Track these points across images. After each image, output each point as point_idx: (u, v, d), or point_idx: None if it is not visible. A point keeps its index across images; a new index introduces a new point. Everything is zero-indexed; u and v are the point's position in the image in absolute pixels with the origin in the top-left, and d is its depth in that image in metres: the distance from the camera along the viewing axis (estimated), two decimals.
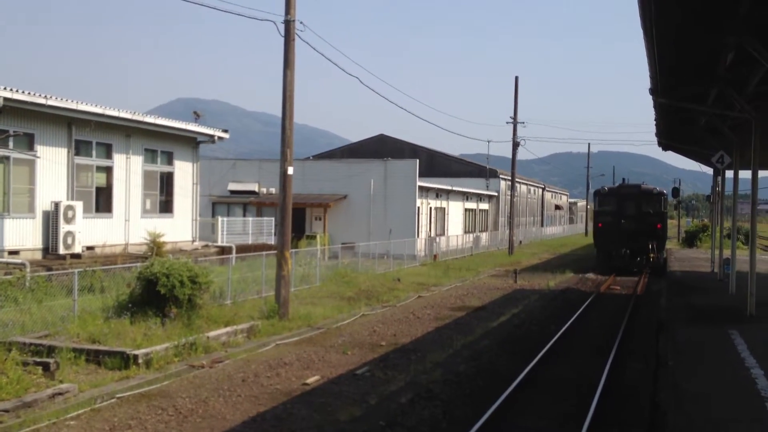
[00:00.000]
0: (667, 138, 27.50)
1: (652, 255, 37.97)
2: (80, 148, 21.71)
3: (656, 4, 10.67)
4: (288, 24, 18.37)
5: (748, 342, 13.73)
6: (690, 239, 57.83)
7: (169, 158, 25.69)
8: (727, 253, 25.73)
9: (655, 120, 23.90)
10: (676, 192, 60.61)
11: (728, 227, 28.48)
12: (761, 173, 17.51)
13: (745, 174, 22.63)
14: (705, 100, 18.38)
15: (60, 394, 10.83)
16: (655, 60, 14.35)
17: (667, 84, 16.89)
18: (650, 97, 18.35)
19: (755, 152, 16.34)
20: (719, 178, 28.80)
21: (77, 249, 20.78)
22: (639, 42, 13.41)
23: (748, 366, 11.68)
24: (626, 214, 38.44)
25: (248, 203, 41.29)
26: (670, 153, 31.41)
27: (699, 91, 17.93)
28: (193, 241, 26.84)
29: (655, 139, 28.46)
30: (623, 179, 47.90)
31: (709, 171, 32.57)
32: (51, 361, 11.97)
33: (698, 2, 11.75)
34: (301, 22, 18.57)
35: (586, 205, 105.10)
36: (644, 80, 17.12)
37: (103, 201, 22.79)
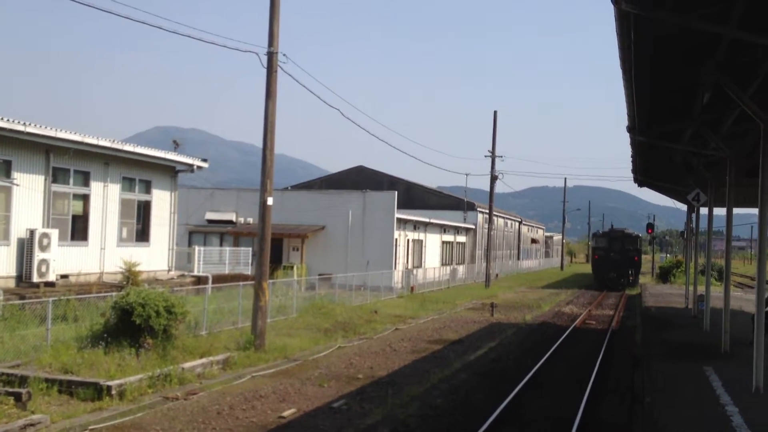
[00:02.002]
0: (644, 175, 27.83)
1: (631, 278, 55.93)
2: (57, 175, 21.55)
3: (635, 45, 10.87)
4: (271, 56, 18.47)
5: (723, 379, 13.83)
6: (664, 275, 58.38)
7: (147, 187, 25.56)
8: (701, 289, 25.97)
9: (632, 157, 24.18)
10: (650, 227, 61.63)
11: (702, 263, 28.80)
12: (735, 210, 17.74)
13: (719, 211, 22.96)
14: (681, 138, 18.67)
15: (32, 425, 10.64)
16: (633, 99, 14.59)
17: (644, 122, 17.15)
18: (627, 134, 18.61)
19: (730, 190, 16.58)
20: (693, 215, 29.15)
21: (51, 277, 20.54)
22: (617, 80, 13.63)
23: (723, 403, 11.77)
24: (614, 249, 55.77)
25: (225, 233, 41.11)
26: (644, 189, 31.93)
27: (676, 129, 18.22)
28: (170, 270, 26.63)
29: (630, 175, 28.79)
30: (611, 225, 71.20)
31: (683, 207, 32.96)
32: (23, 391, 11.76)
33: (676, 44, 12.00)
34: (284, 54, 18.71)
35: (562, 239, 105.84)
36: (622, 117, 17.38)
37: (79, 229, 22.59)
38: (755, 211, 14.20)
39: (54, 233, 20.67)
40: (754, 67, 12.51)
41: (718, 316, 19.09)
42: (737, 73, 12.60)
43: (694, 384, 13.53)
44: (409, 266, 44.10)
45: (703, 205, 22.97)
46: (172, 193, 26.92)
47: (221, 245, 38.54)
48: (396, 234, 40.87)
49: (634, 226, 49.77)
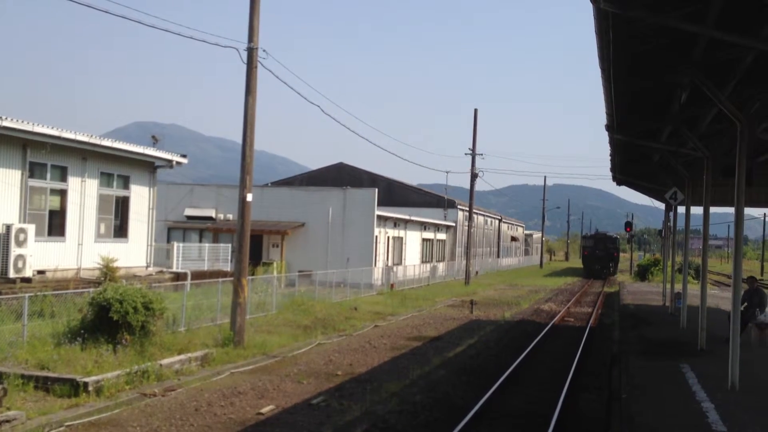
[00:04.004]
0: (622, 173, 28.02)
1: (611, 269, 73.59)
2: (34, 170, 21.33)
3: (614, 44, 10.94)
4: (251, 51, 18.40)
5: (699, 376, 13.97)
6: (642, 273, 58.88)
7: (126, 182, 25.37)
8: (678, 287, 26.20)
9: (611, 155, 24.34)
10: (629, 226, 62.35)
11: (679, 262, 29.04)
12: (712, 209, 17.92)
13: (696, 210, 23.17)
14: (659, 137, 18.82)
15: (7, 421, 10.55)
16: (612, 97, 14.67)
17: (622, 121, 17.26)
18: (606, 132, 18.72)
19: (707, 189, 16.73)
20: (671, 214, 29.38)
21: (28, 273, 20.35)
22: (596, 78, 13.71)
23: (699, 400, 11.88)
24: (599, 247, 73.46)
25: (205, 229, 40.91)
26: (623, 188, 32.20)
27: (654, 128, 18.36)
28: (148, 266, 26.47)
29: (609, 174, 28.98)
30: (596, 229, 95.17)
31: (661, 206, 33.21)
32: None
33: (655, 44, 12.09)
34: (263, 50, 18.65)
35: (542, 237, 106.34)
36: (602, 115, 17.49)
37: (56, 224, 22.38)
38: (732, 210, 14.30)
39: (31, 228, 20.47)
40: (731, 67, 12.63)
41: (695, 313, 19.27)
42: (714, 73, 12.72)
43: (670, 381, 13.65)
44: (389, 263, 44.13)
45: (681, 204, 23.16)
46: (151, 189, 26.75)
47: (200, 241, 38.37)
48: (376, 231, 40.88)
49: (613, 224, 50.63)
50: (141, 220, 26.11)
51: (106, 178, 24.41)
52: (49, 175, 21.98)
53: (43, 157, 21.36)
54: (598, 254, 72.85)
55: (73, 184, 22.81)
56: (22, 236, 20.11)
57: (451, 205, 60.12)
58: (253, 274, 27.04)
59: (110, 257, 22.53)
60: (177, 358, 15.47)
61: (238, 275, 18.76)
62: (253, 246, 27.21)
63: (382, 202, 45.65)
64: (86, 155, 23.08)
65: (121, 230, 25.30)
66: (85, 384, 12.59)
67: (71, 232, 22.80)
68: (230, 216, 40.13)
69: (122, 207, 25.35)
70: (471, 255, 51.90)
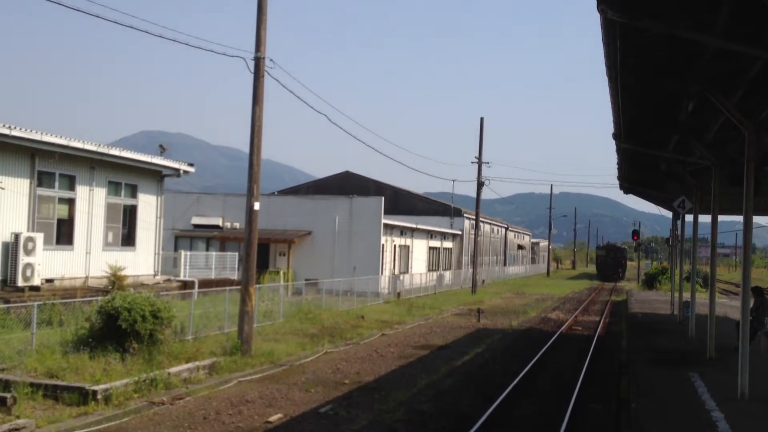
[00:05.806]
0: (629, 181, 27.99)
1: (620, 274, 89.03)
2: (43, 179, 21.44)
3: (621, 54, 10.96)
4: (258, 61, 18.47)
5: (708, 385, 13.93)
6: (650, 281, 58.70)
7: (133, 191, 25.46)
8: (686, 296, 26.12)
9: (618, 164, 24.33)
10: (636, 234, 62.31)
11: (687, 270, 28.96)
12: (719, 217, 17.87)
13: (704, 218, 23.11)
14: (667, 145, 18.81)
15: (17, 429, 10.57)
16: (619, 106, 14.69)
17: (630, 129, 17.26)
18: (613, 141, 18.71)
19: (715, 197, 16.70)
20: (679, 222, 29.33)
21: (36, 281, 20.42)
22: (604, 87, 13.72)
23: (708, 409, 11.84)
24: (609, 256, 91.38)
25: (212, 237, 40.98)
26: (630, 196, 32.16)
27: (661, 136, 18.35)
28: (155, 275, 26.52)
29: (616, 182, 28.96)
30: (607, 241, 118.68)
31: (668, 214, 33.15)
32: (8, 395, 11.68)
33: (662, 53, 12.10)
34: (270, 60, 18.71)
35: (548, 245, 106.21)
36: (608, 124, 17.49)
37: (64, 233, 22.47)
38: (740, 218, 14.29)
39: (39, 237, 20.55)
40: (738, 76, 12.63)
41: (704, 322, 19.21)
42: (722, 82, 12.72)
43: (679, 390, 13.61)
44: (396, 272, 44.12)
45: (689, 212, 23.11)
46: (159, 198, 26.84)
47: (207, 250, 38.44)
48: (383, 239, 40.89)
49: (620, 233, 50.59)
50: (148, 228, 26.20)
51: (114, 187, 24.50)
52: (57, 184, 22.07)
53: (51, 166, 21.46)
54: (609, 262, 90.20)
55: (81, 192, 22.91)
56: (30, 245, 20.19)
57: (457, 213, 60.11)
58: (260, 283, 27.08)
59: (118, 265, 22.60)
60: (185, 366, 15.48)
61: (246, 284, 18.79)
62: (260, 254, 27.25)
63: (389, 211, 45.67)
64: (94, 164, 23.18)
65: (128, 239, 25.37)
66: (94, 392, 12.60)
67: (79, 241, 22.87)
68: (237, 224, 40.22)
69: (130, 215, 25.43)
70: (478, 263, 51.86)
